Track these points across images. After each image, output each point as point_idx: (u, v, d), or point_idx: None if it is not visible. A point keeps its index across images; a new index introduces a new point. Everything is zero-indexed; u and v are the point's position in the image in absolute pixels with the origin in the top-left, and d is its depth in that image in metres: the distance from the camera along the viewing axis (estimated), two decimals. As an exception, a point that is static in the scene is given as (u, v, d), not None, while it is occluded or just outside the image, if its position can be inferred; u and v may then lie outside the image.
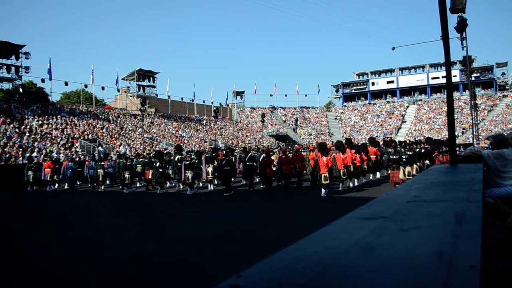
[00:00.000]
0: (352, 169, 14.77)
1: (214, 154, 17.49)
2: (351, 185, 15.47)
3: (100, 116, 37.91)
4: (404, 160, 13.32)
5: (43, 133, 28.24)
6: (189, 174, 15.81)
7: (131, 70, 46.08)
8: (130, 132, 36.73)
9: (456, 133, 43.63)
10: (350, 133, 58.49)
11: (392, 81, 68.35)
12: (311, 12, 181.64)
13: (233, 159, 16.92)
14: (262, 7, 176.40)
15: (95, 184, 20.54)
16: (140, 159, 19.73)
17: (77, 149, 27.69)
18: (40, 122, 30.02)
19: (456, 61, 54.17)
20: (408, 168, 13.07)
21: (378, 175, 19.30)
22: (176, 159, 16.96)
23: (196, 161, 16.73)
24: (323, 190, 13.45)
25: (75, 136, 30.06)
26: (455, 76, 58.04)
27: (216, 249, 6.82)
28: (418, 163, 13.58)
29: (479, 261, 0.82)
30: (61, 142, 27.68)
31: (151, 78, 47.75)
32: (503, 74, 61.11)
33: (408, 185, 2.34)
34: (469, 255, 0.87)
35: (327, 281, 0.77)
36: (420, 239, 1.05)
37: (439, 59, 60.71)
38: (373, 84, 70.16)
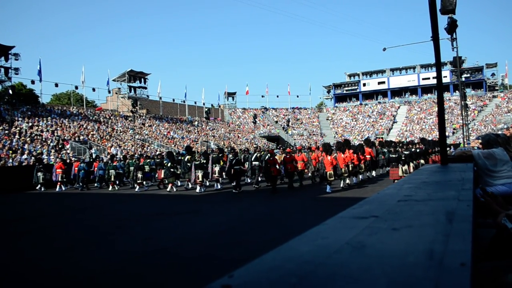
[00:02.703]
0: (351, 168, 15.79)
1: (220, 155, 18.43)
2: (351, 182, 16.69)
3: (91, 118, 37.70)
4: (403, 158, 14.68)
5: (33, 135, 27.99)
6: (199, 174, 16.54)
7: (122, 71, 45.95)
8: (121, 133, 36.57)
9: (447, 133, 43.87)
10: (342, 134, 58.71)
11: (383, 82, 68.71)
12: (302, 13, 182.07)
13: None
14: (253, 7, 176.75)
15: (104, 184, 21.28)
16: (148, 160, 20.59)
17: (68, 151, 27.50)
18: (30, 124, 29.78)
19: (447, 62, 54.65)
20: (405, 166, 14.46)
21: (373, 173, 20.55)
22: (185, 159, 17.78)
23: (205, 161, 17.38)
24: (328, 187, 14.55)
25: (66, 137, 29.85)
26: (446, 76, 58.52)
27: (211, 249, 6.81)
28: (414, 162, 15.05)
29: (469, 259, 0.83)
30: (52, 144, 27.48)
31: (142, 79, 47.58)
32: (493, 74, 61.71)
33: (399, 185, 2.35)
34: (459, 253, 0.87)
35: (318, 280, 0.77)
36: (411, 237, 1.05)
37: (430, 60, 61.26)
38: (364, 85, 70.50)
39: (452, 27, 19.68)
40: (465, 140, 27.74)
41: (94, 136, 32.74)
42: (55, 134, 29.85)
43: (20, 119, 30.09)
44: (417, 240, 1.01)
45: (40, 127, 30.06)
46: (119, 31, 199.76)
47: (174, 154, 20.03)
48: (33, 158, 23.69)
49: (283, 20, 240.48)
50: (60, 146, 27.76)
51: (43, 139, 27.94)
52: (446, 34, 21.01)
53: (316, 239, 1.09)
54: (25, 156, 23.83)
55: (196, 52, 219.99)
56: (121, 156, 23.97)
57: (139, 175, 18.70)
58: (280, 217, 9.85)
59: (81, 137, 31.07)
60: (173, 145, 37.47)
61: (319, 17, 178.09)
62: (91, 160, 23.51)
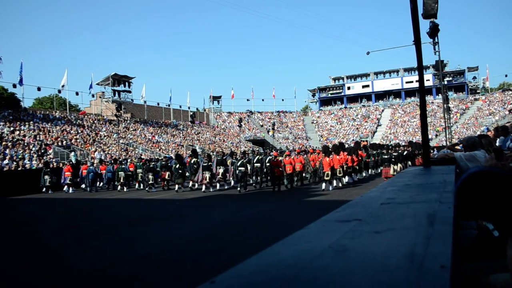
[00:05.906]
0: (345, 168, 17.14)
1: (225, 158, 19.47)
2: (344, 182, 17.96)
3: (74, 122, 37.22)
4: (393, 159, 16.41)
5: (15, 139, 27.51)
6: (207, 175, 17.54)
7: (105, 75, 45.50)
8: (105, 138, 36.20)
9: (430, 136, 44.45)
10: (327, 137, 59.03)
11: (367, 86, 69.29)
12: (287, 17, 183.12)
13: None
14: (238, 12, 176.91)
15: (112, 185, 22.54)
16: (153, 163, 21.65)
17: (51, 156, 27.10)
18: (11, 129, 29.27)
19: (429, 65, 55.28)
20: (395, 166, 16.12)
21: (364, 174, 22.17)
22: (192, 161, 18.87)
23: (210, 163, 18.26)
24: (330, 186, 16.01)
25: (49, 142, 29.42)
26: (428, 80, 59.29)
27: (197, 254, 6.78)
28: (402, 163, 16.59)
29: (449, 261, 0.83)
30: (34, 149, 27.04)
31: (127, 83, 47.22)
32: (474, 78, 62.80)
33: (382, 187, 2.37)
34: (440, 255, 0.88)
35: (300, 285, 0.77)
36: (393, 240, 1.06)
37: (413, 64, 61.54)
38: (348, 88, 71.01)
39: (434, 31, 19.97)
40: (447, 143, 28.08)
41: (78, 140, 32.33)
42: (38, 138, 29.39)
43: (1, 123, 29.55)
44: (399, 243, 1.01)
45: (22, 131, 29.56)
46: (103, 35, 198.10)
47: (182, 156, 21.07)
48: (14, 163, 23.47)
49: (268, 23, 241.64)
50: (42, 151, 27.36)
51: (25, 144, 27.47)
52: (428, 38, 21.29)
53: (299, 243, 1.09)
54: (6, 161, 23.41)
55: (181, 56, 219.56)
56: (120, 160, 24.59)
57: (150, 177, 19.72)
58: (267, 220, 9.90)
59: (64, 142, 30.65)
60: (158, 150, 37.20)
61: (303, 21, 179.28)
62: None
